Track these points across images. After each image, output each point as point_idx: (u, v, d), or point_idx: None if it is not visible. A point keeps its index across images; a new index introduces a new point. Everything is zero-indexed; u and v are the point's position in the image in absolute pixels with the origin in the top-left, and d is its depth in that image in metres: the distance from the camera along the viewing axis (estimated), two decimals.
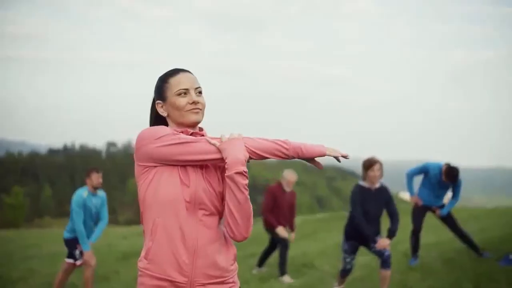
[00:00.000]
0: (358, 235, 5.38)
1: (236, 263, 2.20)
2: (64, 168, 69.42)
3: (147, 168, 2.08)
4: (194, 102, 2.12)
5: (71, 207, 6.18)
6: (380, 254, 5.32)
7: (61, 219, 44.09)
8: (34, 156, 73.58)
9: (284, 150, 2.11)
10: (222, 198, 2.13)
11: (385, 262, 5.31)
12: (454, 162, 6.77)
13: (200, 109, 2.14)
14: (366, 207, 5.33)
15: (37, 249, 13.26)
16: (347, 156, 2.16)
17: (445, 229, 7.43)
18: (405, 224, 6.87)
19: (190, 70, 2.20)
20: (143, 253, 2.11)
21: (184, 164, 2.06)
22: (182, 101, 2.12)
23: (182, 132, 2.13)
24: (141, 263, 2.11)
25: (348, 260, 5.56)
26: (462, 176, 6.79)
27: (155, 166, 2.06)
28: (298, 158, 2.15)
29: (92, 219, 6.30)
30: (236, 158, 2.01)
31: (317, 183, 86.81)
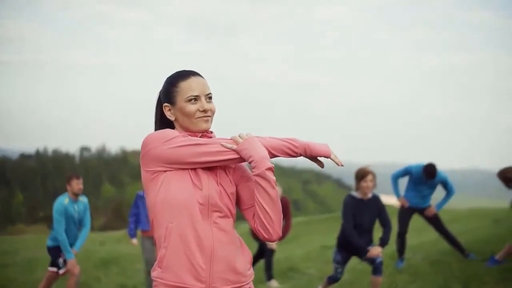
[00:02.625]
0: (351, 246, 5.32)
1: (252, 269, 2.12)
2: (36, 174, 68.17)
3: (156, 174, 1.99)
4: (204, 110, 2.04)
5: (53, 215, 6.02)
6: (371, 261, 5.27)
7: (34, 226, 43.28)
8: (5, 161, 72.09)
9: (294, 148, 2.07)
10: (234, 200, 2.07)
11: (377, 268, 5.27)
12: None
13: (210, 116, 2.07)
14: (359, 218, 5.27)
15: (11, 256, 12.91)
16: (341, 165, 2.14)
17: (428, 230, 7.47)
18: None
19: (200, 73, 2.11)
20: (156, 262, 2.02)
21: (198, 166, 1.98)
22: (193, 108, 2.04)
23: (190, 135, 2.05)
24: (155, 273, 2.02)
25: (339, 270, 5.52)
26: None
27: (165, 171, 1.98)
28: (304, 156, 2.12)
29: (75, 226, 6.15)
30: (262, 155, 1.96)
31: (292, 187, 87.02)
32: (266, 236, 2.01)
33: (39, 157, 76.23)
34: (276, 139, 2.07)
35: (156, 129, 2.16)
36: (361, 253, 5.27)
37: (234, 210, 2.07)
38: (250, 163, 1.98)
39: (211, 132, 2.13)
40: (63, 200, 6.05)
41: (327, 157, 2.12)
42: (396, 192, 7.07)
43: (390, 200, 8.38)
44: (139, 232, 7.01)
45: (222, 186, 2.03)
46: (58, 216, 5.96)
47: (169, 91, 2.08)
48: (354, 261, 7.26)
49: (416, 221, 7.57)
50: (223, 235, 2.00)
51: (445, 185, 6.90)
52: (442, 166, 7.09)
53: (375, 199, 5.39)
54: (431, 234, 8.48)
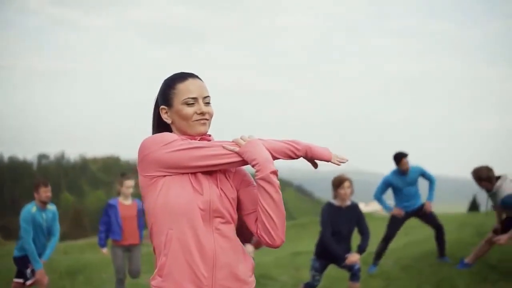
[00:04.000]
0: (329, 254, 5.32)
1: (253, 276, 2.06)
2: None
3: (154, 179, 1.92)
4: (202, 113, 1.98)
5: (20, 225, 5.82)
6: (349, 268, 5.29)
7: None
8: None
9: (296, 151, 2.02)
10: (235, 206, 2.01)
11: (354, 275, 5.29)
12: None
13: (208, 120, 2.02)
14: (338, 226, 5.27)
15: None
16: (346, 160, 2.10)
17: (396, 236, 7.51)
18: None
19: (198, 76, 2.06)
20: (156, 271, 1.94)
21: (199, 170, 1.93)
22: (190, 110, 1.98)
23: (189, 138, 2.00)
24: (155, 281, 1.94)
25: (317, 278, 5.52)
26: None
27: (164, 176, 1.91)
28: (305, 158, 2.08)
29: (43, 235, 5.95)
30: (266, 158, 1.91)
31: None
32: (269, 241, 1.96)
33: None
34: (278, 141, 2.02)
35: (153, 133, 2.10)
36: (339, 260, 5.28)
37: (235, 216, 2.01)
38: (253, 166, 1.92)
39: (209, 136, 2.07)
40: (31, 208, 5.85)
41: (328, 161, 2.06)
42: (386, 207, 7.14)
43: (366, 207, 8.44)
44: (109, 241, 6.84)
45: (223, 191, 1.97)
46: (25, 225, 5.76)
47: (166, 93, 2.03)
48: (329, 268, 7.31)
49: (382, 227, 7.65)
50: (225, 242, 1.94)
51: (424, 175, 7.02)
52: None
53: (354, 207, 5.41)
54: (400, 239, 8.59)
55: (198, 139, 2.01)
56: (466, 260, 6.46)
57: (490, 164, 5.88)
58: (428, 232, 9.92)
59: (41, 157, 77.21)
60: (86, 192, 72.50)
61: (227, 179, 2.02)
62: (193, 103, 1.98)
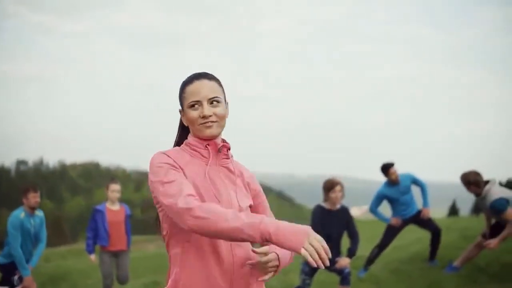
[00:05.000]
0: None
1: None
2: None
3: None
4: (204, 116, 1.91)
5: (7, 230, 5.72)
6: (339, 272, 5.30)
7: None
8: None
9: (249, 238, 1.68)
10: None
11: (344, 278, 5.30)
12: (371, 177, 6.94)
13: (214, 122, 1.92)
14: (328, 229, 5.28)
15: None
16: (323, 265, 1.62)
17: (368, 244, 7.53)
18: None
19: (210, 74, 2.00)
20: (170, 282, 1.87)
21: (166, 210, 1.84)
22: (194, 114, 1.92)
23: (200, 143, 1.96)
24: None
25: (307, 282, 5.51)
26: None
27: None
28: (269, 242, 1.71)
29: (31, 242, 5.86)
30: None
31: None
32: None
33: None
34: (235, 221, 1.69)
35: (176, 135, 2.08)
36: (330, 264, 5.29)
37: None
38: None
39: (224, 141, 2.01)
40: (19, 214, 5.75)
41: (297, 252, 1.65)
42: (383, 218, 7.16)
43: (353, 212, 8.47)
44: (97, 248, 6.75)
45: (240, 201, 1.94)
46: (13, 230, 5.66)
47: (179, 97, 2.00)
48: (319, 272, 7.31)
49: (369, 231, 7.69)
50: (243, 252, 1.89)
51: (415, 182, 7.05)
52: (381, 178, 7.25)
53: (344, 210, 5.43)
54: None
55: (206, 144, 1.95)
56: (455, 264, 6.51)
57: (468, 168, 5.91)
58: (415, 235, 10.00)
59: (20, 163, 76.11)
60: (66, 198, 71.63)
61: (245, 189, 2.00)
62: (197, 106, 1.93)
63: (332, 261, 5.22)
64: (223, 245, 1.85)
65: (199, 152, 1.96)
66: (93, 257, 6.59)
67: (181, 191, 1.77)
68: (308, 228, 1.66)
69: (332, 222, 5.32)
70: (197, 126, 1.93)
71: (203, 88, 1.93)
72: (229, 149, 2.02)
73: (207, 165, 1.94)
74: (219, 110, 1.93)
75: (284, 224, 1.67)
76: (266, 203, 2.10)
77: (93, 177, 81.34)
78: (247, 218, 1.67)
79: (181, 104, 2.00)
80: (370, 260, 7.08)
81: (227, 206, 1.87)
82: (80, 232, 58.54)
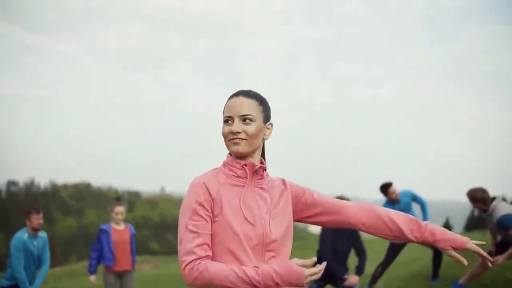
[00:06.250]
0: (327, 274, 5.31)
1: None
2: None
3: None
4: (232, 132, 1.90)
5: (10, 252, 5.66)
6: None
7: None
8: None
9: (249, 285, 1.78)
10: (289, 237, 1.95)
11: None
12: (359, 195, 6.95)
13: (242, 139, 1.89)
14: (336, 246, 5.30)
15: None
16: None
17: (377, 259, 7.51)
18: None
19: (253, 92, 1.98)
20: None
21: None
22: (226, 129, 1.93)
23: (245, 166, 1.93)
24: None
25: None
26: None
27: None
28: None
29: (34, 263, 5.80)
30: None
31: None
32: None
33: None
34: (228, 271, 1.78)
35: None
36: (338, 281, 5.27)
37: (289, 248, 1.95)
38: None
39: (262, 162, 2.00)
40: (22, 235, 5.70)
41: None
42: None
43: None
44: (99, 268, 6.67)
45: (272, 230, 1.90)
46: (16, 252, 5.61)
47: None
48: None
49: (370, 248, 7.67)
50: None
51: (415, 199, 7.07)
52: (373, 196, 7.29)
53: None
54: None
55: (243, 164, 1.92)
56: (461, 281, 6.48)
57: (462, 186, 5.93)
58: (414, 253, 10.00)
59: (10, 183, 75.49)
60: (57, 219, 70.98)
61: (282, 204, 1.97)
62: (230, 122, 1.93)
63: (341, 278, 5.20)
64: (249, 264, 1.82)
65: (235, 173, 1.94)
66: (93, 278, 6.50)
67: (194, 251, 1.80)
68: (300, 272, 1.74)
69: (340, 239, 5.32)
70: (227, 141, 1.93)
71: (238, 105, 1.92)
72: (265, 169, 1.99)
73: (243, 186, 1.92)
74: (250, 128, 1.90)
75: (282, 276, 1.74)
76: (310, 192, 2.07)
77: (84, 197, 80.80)
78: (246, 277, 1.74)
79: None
80: (375, 278, 7.06)
81: (260, 234, 1.85)
82: (71, 253, 57.97)
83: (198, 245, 1.80)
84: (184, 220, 1.85)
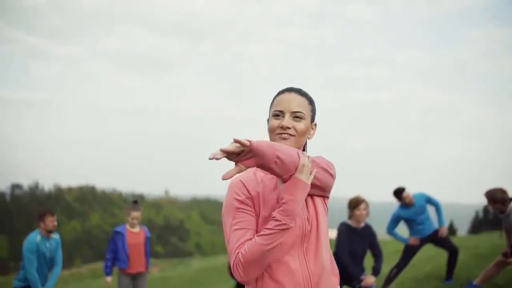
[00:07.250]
0: (344, 275, 5.29)
1: None
2: None
3: None
4: (282, 127, 1.90)
5: (23, 254, 5.66)
6: None
7: None
8: None
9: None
10: (326, 227, 1.95)
11: None
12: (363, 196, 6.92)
13: (291, 135, 1.91)
14: (353, 246, 5.29)
15: None
16: None
17: (395, 260, 7.49)
18: None
19: (304, 91, 2.00)
20: None
21: None
22: (274, 123, 1.93)
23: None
24: None
25: None
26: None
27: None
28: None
29: (46, 265, 5.80)
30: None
31: None
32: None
33: None
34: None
35: None
36: (355, 281, 5.25)
37: (326, 238, 1.94)
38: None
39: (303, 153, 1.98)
40: (35, 237, 5.69)
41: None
42: (400, 238, 7.18)
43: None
44: (115, 270, 6.66)
45: (318, 212, 1.92)
46: (29, 254, 5.60)
47: (270, 106, 2.01)
48: None
49: (383, 250, 7.65)
50: (318, 267, 1.87)
51: (429, 201, 7.06)
52: (373, 199, 7.28)
53: (368, 228, 5.44)
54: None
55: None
56: (475, 282, 6.45)
57: (467, 190, 5.91)
58: (426, 254, 9.94)
59: (14, 187, 75.53)
60: (61, 222, 71.02)
61: (318, 197, 1.96)
62: (279, 116, 1.93)
63: (358, 279, 5.19)
64: (297, 259, 1.84)
65: None
66: (109, 279, 6.50)
67: (237, 246, 1.78)
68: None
69: (357, 240, 5.31)
70: (273, 135, 1.93)
71: (290, 101, 1.94)
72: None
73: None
74: (299, 125, 1.93)
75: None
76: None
77: (88, 200, 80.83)
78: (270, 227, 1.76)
79: (269, 113, 2.00)
80: (389, 280, 7.04)
81: (301, 227, 1.85)
82: (76, 256, 58.01)
83: (243, 243, 1.79)
84: (227, 221, 1.85)
